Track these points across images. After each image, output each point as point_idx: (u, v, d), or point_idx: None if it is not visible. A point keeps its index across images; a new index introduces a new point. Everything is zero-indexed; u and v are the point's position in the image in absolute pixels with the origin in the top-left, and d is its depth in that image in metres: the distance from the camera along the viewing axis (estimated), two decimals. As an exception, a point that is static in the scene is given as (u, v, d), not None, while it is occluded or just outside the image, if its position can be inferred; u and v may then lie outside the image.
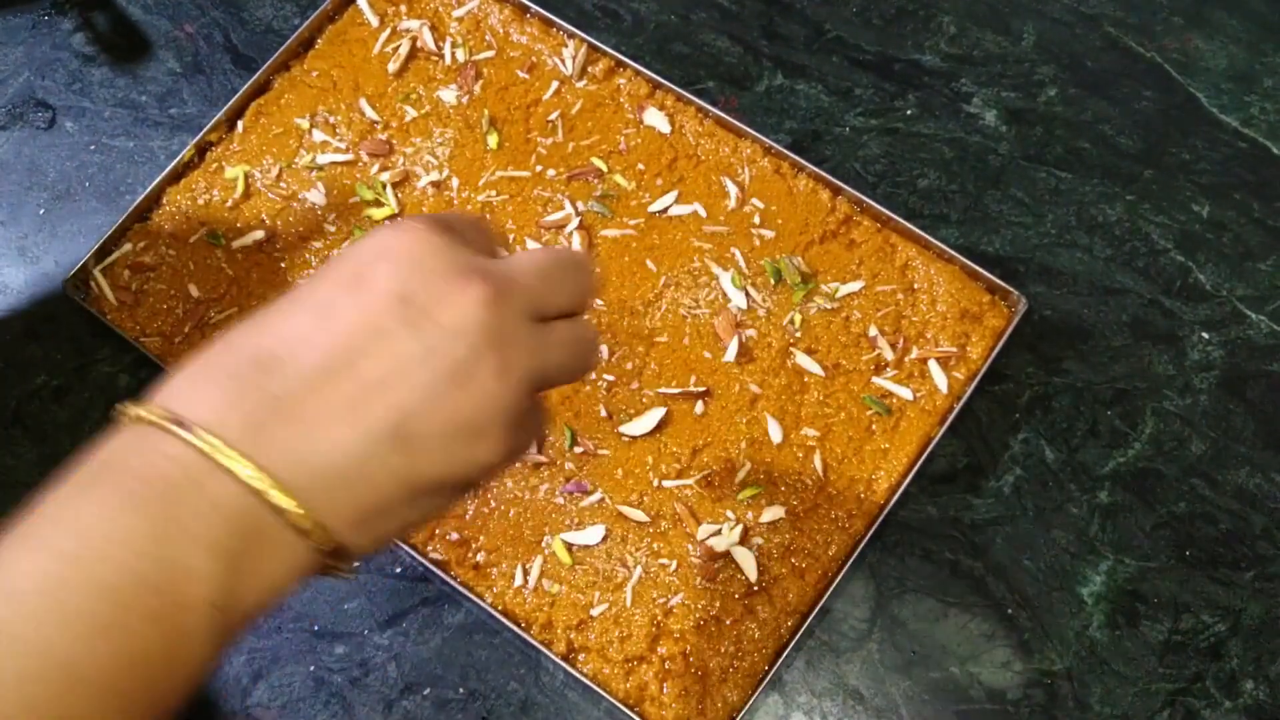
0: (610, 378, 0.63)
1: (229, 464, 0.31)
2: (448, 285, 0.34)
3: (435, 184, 0.67)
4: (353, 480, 0.33)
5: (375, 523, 0.34)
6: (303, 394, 0.32)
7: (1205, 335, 0.66)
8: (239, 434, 0.31)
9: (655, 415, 0.61)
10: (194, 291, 0.65)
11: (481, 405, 0.34)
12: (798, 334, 0.63)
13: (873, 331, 0.63)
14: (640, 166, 0.67)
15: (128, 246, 0.66)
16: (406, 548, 0.59)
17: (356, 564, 0.34)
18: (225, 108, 0.68)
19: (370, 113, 0.69)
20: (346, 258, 0.35)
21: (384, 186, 0.67)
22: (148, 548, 0.30)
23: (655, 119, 0.68)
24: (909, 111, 0.72)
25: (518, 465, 0.61)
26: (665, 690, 0.57)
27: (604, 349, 0.63)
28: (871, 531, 0.59)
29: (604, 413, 0.62)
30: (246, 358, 0.33)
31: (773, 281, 0.64)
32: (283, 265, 0.66)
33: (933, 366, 0.62)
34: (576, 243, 0.65)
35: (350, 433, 0.32)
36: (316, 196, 0.67)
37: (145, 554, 0.30)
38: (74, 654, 0.29)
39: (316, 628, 0.60)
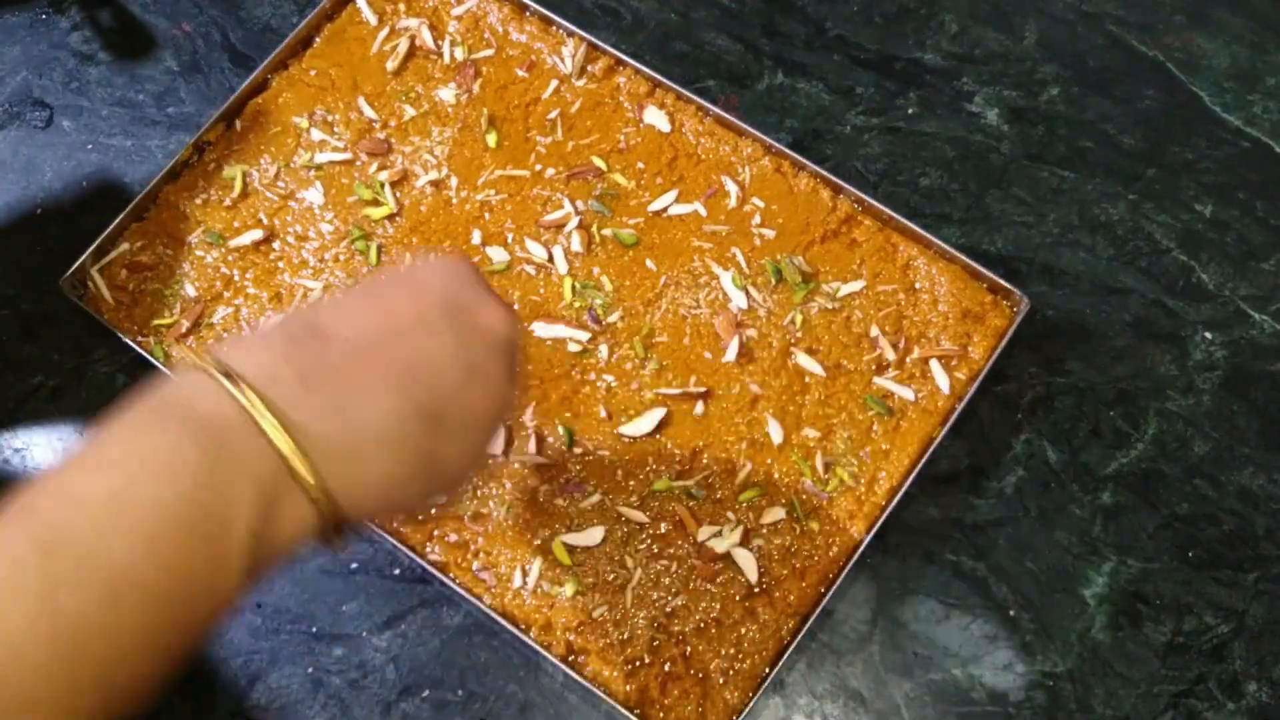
0: (610, 378, 0.62)
1: (268, 429, 0.34)
2: (485, 300, 0.40)
3: (434, 183, 0.67)
4: (385, 445, 0.36)
5: (384, 493, 0.37)
6: (353, 360, 0.36)
7: (1208, 335, 0.66)
8: (288, 388, 0.34)
9: (655, 416, 0.61)
10: (191, 291, 0.65)
11: (490, 406, 0.40)
12: (798, 334, 0.63)
13: (874, 331, 0.63)
14: (640, 165, 0.67)
15: (125, 246, 0.65)
16: (405, 549, 0.58)
17: (348, 541, 0.38)
18: (223, 107, 0.68)
19: (369, 111, 0.69)
20: (401, 270, 0.41)
21: (382, 186, 0.67)
22: (204, 478, 0.33)
23: (655, 118, 0.67)
24: (910, 110, 0.71)
25: (517, 467, 0.61)
26: (666, 693, 0.56)
27: (603, 349, 0.63)
28: (873, 533, 0.58)
29: (604, 413, 0.62)
30: (304, 325, 0.37)
31: (773, 281, 0.64)
32: (280, 265, 0.65)
33: (934, 367, 0.62)
34: (576, 242, 0.65)
35: (392, 401, 0.36)
36: (315, 196, 0.67)
37: (201, 482, 0.33)
38: (131, 561, 0.32)
39: (315, 629, 0.60)
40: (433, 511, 0.60)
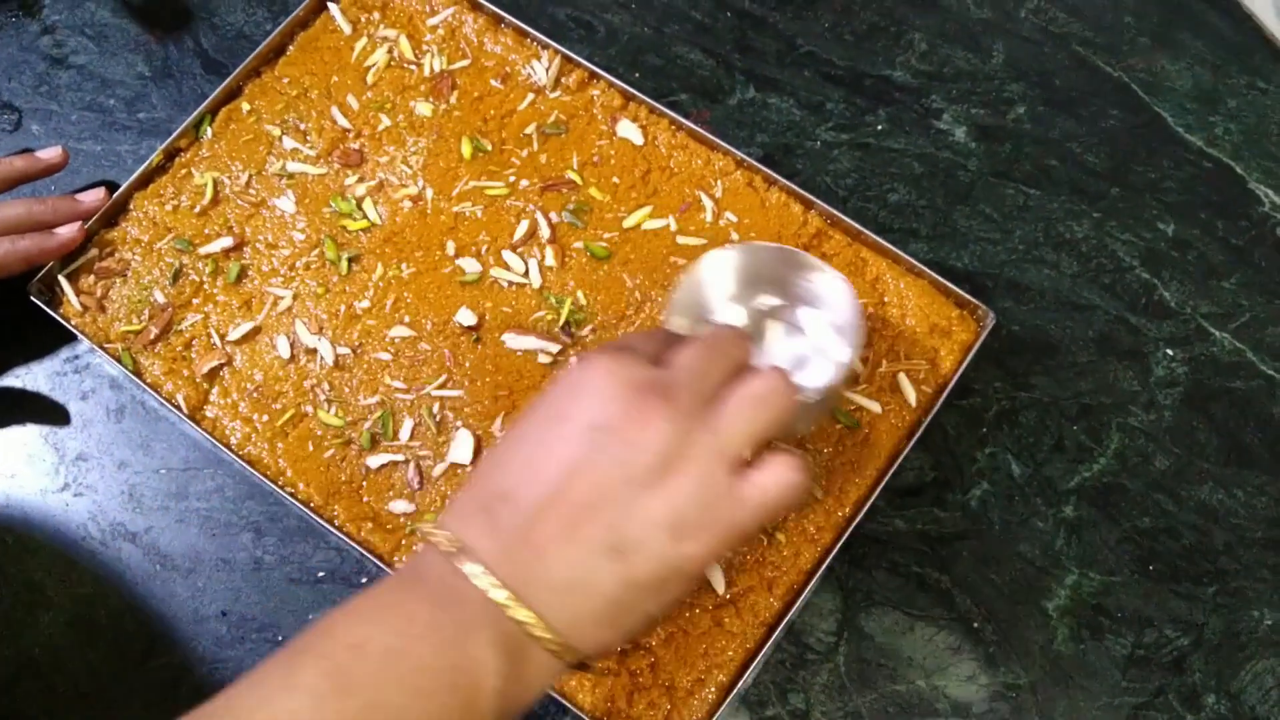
0: (581, 389, 0.63)
1: (507, 607, 0.40)
2: (628, 406, 0.41)
3: (411, 197, 0.67)
4: (582, 591, 0.40)
5: (608, 625, 0.41)
6: (533, 522, 0.40)
7: (1170, 352, 0.67)
8: (497, 560, 0.40)
9: (625, 427, 0.61)
10: (160, 298, 0.64)
11: (678, 504, 0.41)
12: (768, 347, 0.64)
13: (842, 345, 0.63)
14: (615, 180, 0.67)
15: (93, 252, 0.65)
16: (373, 558, 0.58)
17: (598, 662, 0.44)
18: (194, 113, 0.67)
19: (342, 121, 0.69)
20: (549, 396, 0.44)
21: (359, 200, 0.66)
22: (455, 639, 0.39)
23: (628, 131, 0.68)
24: (880, 127, 0.72)
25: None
26: (633, 703, 0.57)
27: (573, 360, 0.63)
28: (839, 545, 0.59)
29: (574, 424, 0.62)
30: (491, 493, 0.42)
31: (744, 294, 0.64)
32: (250, 272, 0.65)
33: (902, 380, 0.63)
34: (550, 257, 0.65)
35: (574, 552, 0.40)
36: (286, 204, 0.67)
37: (453, 644, 0.39)
38: (404, 708, 0.38)
39: (281, 638, 0.60)
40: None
